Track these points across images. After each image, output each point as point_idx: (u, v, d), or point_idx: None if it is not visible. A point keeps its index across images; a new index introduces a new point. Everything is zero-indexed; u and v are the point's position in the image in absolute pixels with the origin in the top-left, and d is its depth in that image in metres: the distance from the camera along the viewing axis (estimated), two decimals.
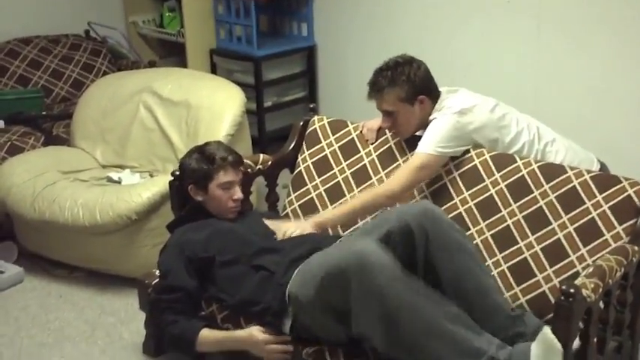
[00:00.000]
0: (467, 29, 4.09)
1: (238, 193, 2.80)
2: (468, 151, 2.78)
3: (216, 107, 3.78)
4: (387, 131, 2.98)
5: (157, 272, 2.77)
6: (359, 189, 2.97)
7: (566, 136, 2.93)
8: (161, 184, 3.34)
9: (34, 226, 3.62)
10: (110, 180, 3.83)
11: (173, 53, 5.34)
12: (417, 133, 2.87)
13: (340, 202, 3.00)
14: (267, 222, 2.84)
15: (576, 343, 2.13)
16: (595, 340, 2.24)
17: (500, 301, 2.32)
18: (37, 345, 3.15)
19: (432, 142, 2.72)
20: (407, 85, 2.76)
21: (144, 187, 3.47)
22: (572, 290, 1.97)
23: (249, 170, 3.14)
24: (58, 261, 3.70)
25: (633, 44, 3.43)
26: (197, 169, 2.78)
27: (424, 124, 2.81)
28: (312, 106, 3.45)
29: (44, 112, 4.60)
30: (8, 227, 3.85)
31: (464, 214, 2.72)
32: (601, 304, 2.22)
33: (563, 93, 3.75)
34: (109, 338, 3.17)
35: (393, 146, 2.95)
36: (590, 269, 2.17)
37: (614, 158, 2.98)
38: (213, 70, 4.99)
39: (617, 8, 3.45)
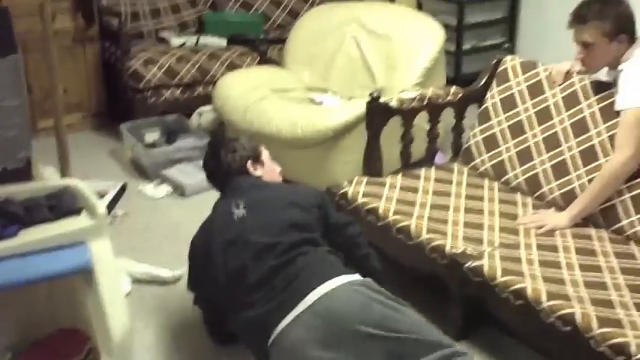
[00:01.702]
0: None
1: None
2: None
3: (416, 41, 4.05)
4: (574, 75, 3.09)
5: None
6: (540, 127, 3.12)
7: None
8: (358, 106, 3.64)
9: (243, 134, 4.06)
10: (313, 101, 4.21)
11: None
12: (603, 77, 2.98)
13: (522, 138, 3.17)
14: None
15: None
16: None
17: None
18: None
19: (636, 94, 2.74)
20: (613, 21, 2.80)
21: (342, 108, 3.81)
22: None
23: (439, 100, 3.37)
24: None
25: None
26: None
27: (614, 64, 2.87)
28: (506, 46, 3.57)
29: (261, 36, 5.07)
30: (221, 134, 4.33)
31: None
32: None
33: None
34: None
35: (577, 91, 3.05)
36: None
37: None
38: (419, 10, 5.21)
39: None
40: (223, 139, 2.86)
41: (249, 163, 2.76)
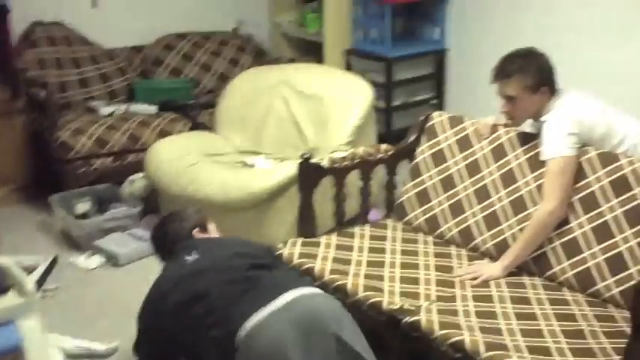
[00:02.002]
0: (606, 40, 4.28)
1: None
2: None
3: (345, 100, 4.10)
4: (499, 128, 3.16)
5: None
6: (470, 180, 3.17)
7: None
8: (290, 167, 3.65)
9: (175, 200, 4.02)
10: (245, 164, 4.20)
11: (311, 52, 5.68)
12: (527, 129, 3.05)
13: (453, 192, 3.21)
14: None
15: None
16: None
17: None
18: None
19: (559, 144, 2.83)
20: (536, 75, 2.89)
21: (274, 170, 3.82)
22: None
23: (370, 158, 3.40)
24: None
25: None
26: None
27: (537, 115, 2.95)
28: (434, 101, 3.64)
29: (192, 101, 5.07)
30: (154, 201, 4.29)
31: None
32: None
33: None
34: None
35: (504, 143, 3.12)
36: None
37: None
38: (348, 69, 5.29)
39: None
40: (170, 211, 2.98)
41: (195, 231, 2.86)
